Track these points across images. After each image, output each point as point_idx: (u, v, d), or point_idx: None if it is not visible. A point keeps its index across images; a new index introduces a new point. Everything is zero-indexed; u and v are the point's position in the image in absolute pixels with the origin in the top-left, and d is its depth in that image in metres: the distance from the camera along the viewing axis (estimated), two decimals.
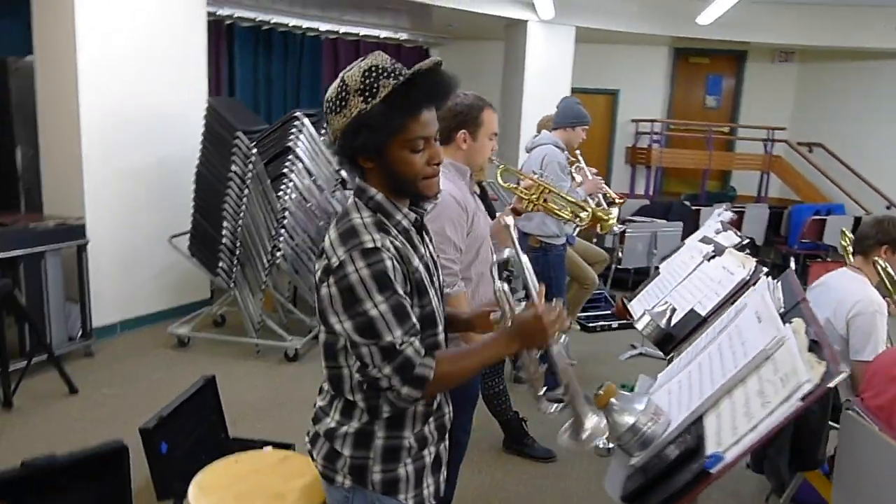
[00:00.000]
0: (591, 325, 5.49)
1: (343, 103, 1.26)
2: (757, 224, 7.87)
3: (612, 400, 1.16)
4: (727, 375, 1.03)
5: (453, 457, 2.43)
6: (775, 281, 1.30)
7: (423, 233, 1.42)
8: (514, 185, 2.81)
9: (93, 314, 4.48)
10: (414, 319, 1.26)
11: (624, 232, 5.44)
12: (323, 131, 4.54)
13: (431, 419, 1.42)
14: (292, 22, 7.76)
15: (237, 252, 4.54)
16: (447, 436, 1.54)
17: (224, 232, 4.52)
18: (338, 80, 1.30)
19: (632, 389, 4.17)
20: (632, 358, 4.83)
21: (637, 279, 6.81)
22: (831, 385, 0.77)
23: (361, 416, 1.33)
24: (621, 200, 4.13)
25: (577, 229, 4.05)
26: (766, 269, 1.73)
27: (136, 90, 4.76)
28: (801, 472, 2.52)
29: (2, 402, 3.49)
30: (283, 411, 3.77)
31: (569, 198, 3.01)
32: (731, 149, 9.47)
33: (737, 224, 7.78)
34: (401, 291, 1.25)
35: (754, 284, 1.41)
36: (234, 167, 4.43)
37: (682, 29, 7.85)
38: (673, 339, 1.93)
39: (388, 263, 1.23)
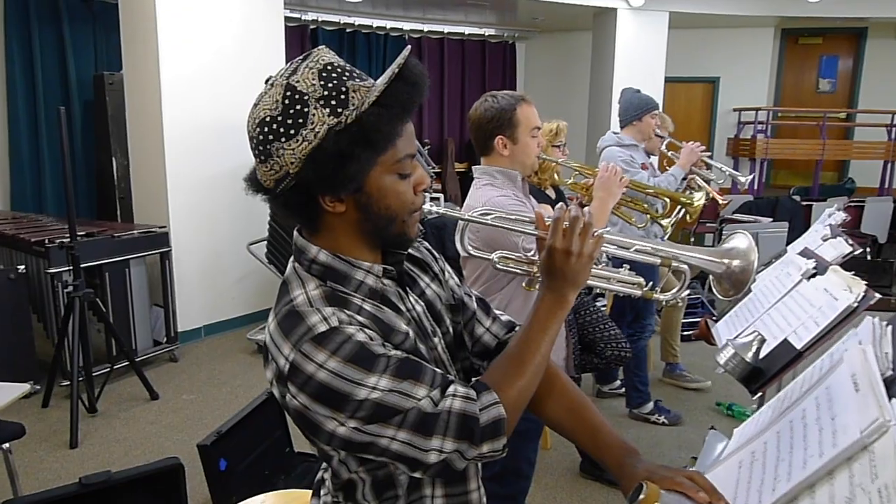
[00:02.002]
0: (685, 332, 5.09)
1: (300, 120, 0.88)
2: (879, 219, 7.10)
3: None
4: (809, 464, 0.78)
5: (516, 490, 2.24)
6: (885, 324, 1.02)
7: (410, 286, 1.08)
8: (573, 182, 2.61)
9: (178, 319, 4.61)
10: (432, 367, 0.95)
11: (721, 232, 5.01)
12: None
13: None
14: (376, 23, 7.76)
15: None
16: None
17: None
18: (276, 89, 0.91)
19: (728, 408, 3.82)
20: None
21: None
22: None
23: None
24: (725, 203, 3.72)
25: (667, 232, 3.71)
26: (874, 297, 1.42)
27: (217, 103, 4.85)
28: None
29: (87, 408, 3.61)
30: None
31: (642, 189, 2.80)
32: (848, 136, 8.62)
33: (855, 219, 7.06)
34: (396, 353, 0.92)
35: (857, 325, 1.13)
36: None
37: (789, 7, 7.19)
38: (762, 374, 1.64)
39: (360, 336, 0.90)
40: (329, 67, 0.91)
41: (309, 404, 0.89)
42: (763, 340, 1.63)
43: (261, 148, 0.92)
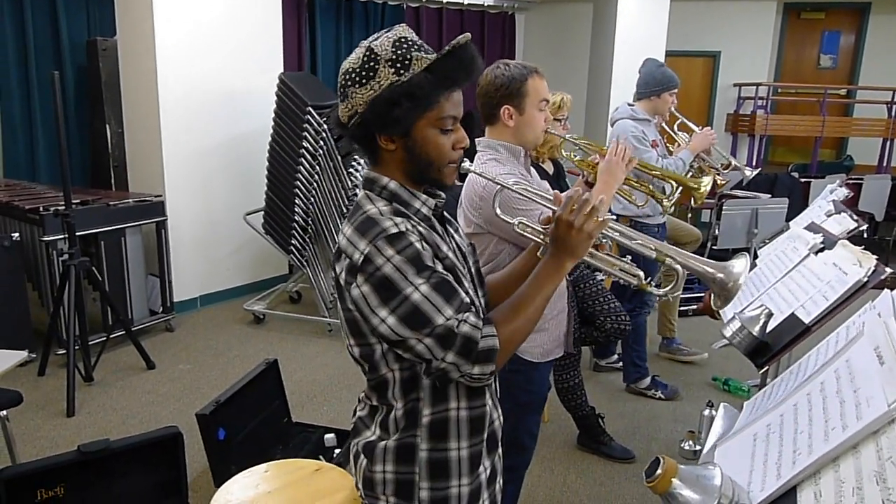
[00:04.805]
0: (682, 308, 5.09)
1: (371, 73, 1.15)
2: (877, 197, 7.06)
3: (675, 482, 0.87)
4: (832, 438, 0.77)
5: (516, 462, 2.24)
6: None
7: (446, 224, 1.32)
8: (580, 159, 2.56)
9: (174, 289, 4.58)
10: (462, 294, 1.16)
11: (721, 208, 4.98)
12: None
13: (483, 430, 1.29)
14: None
15: (309, 230, 4.49)
16: (500, 443, 1.40)
17: (296, 209, 4.47)
18: (361, 49, 1.18)
19: (724, 383, 3.83)
20: (725, 347, 4.43)
21: None
22: None
23: (402, 426, 1.23)
24: (723, 181, 3.75)
25: (669, 211, 3.69)
26: (885, 272, 1.40)
27: (213, 69, 4.76)
28: None
29: (83, 377, 3.60)
30: (352, 393, 3.70)
31: (650, 170, 2.79)
32: (848, 113, 8.56)
33: (853, 197, 7.03)
34: (440, 268, 1.16)
35: (873, 297, 1.11)
36: (305, 143, 4.35)
37: None
38: (768, 349, 1.63)
39: (418, 246, 1.13)
40: (402, 40, 1.16)
41: (368, 293, 1.13)
42: (770, 314, 1.62)
43: (342, 90, 1.20)
